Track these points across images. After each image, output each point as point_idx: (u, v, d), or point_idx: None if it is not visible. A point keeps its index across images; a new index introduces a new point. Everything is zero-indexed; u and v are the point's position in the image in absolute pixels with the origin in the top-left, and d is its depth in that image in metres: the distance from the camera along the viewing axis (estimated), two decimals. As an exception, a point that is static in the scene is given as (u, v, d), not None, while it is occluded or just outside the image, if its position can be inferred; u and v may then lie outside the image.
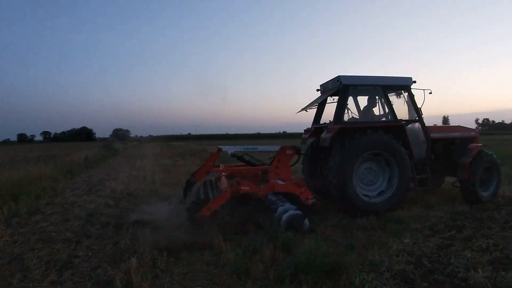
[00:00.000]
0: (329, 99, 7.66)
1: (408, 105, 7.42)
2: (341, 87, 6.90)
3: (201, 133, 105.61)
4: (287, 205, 5.63)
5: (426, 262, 4.34)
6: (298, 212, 5.44)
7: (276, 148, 6.84)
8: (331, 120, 7.29)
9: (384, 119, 7.44)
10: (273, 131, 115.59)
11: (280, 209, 5.54)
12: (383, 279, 3.90)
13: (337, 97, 7.24)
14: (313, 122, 8.05)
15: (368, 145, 6.53)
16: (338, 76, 6.90)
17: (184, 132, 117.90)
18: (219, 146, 6.92)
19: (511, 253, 4.52)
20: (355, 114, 7.71)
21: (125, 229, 6.01)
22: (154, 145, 55.52)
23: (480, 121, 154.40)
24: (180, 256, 4.71)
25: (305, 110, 7.82)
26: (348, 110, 7.37)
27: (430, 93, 7.24)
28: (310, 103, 7.69)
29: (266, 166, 6.75)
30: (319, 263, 4.00)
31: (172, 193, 9.02)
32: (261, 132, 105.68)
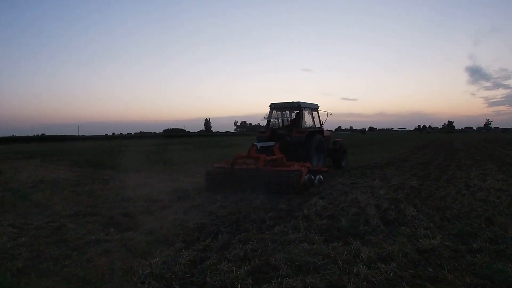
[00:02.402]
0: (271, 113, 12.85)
1: (317, 119, 13.39)
2: (300, 108, 12.16)
3: None
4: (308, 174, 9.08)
5: (177, 287, 3.54)
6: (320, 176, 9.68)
7: (272, 143, 10.17)
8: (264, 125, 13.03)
9: (309, 126, 12.89)
10: (30, 134, 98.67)
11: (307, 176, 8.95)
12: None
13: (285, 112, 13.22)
14: (266, 126, 12.80)
15: (318, 140, 12.07)
16: (298, 102, 12.08)
17: None
18: (254, 143, 9.54)
19: (271, 258, 4.15)
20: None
21: None
22: None
23: (238, 123, 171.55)
24: None
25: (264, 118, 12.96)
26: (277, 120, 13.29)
27: (331, 114, 13.62)
28: (269, 116, 12.77)
29: (281, 155, 9.76)
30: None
31: None
32: (17, 135, 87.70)
